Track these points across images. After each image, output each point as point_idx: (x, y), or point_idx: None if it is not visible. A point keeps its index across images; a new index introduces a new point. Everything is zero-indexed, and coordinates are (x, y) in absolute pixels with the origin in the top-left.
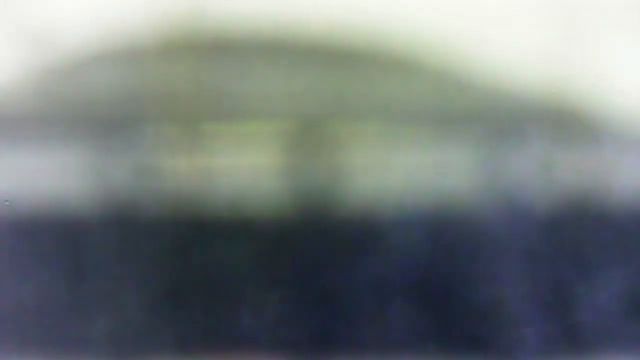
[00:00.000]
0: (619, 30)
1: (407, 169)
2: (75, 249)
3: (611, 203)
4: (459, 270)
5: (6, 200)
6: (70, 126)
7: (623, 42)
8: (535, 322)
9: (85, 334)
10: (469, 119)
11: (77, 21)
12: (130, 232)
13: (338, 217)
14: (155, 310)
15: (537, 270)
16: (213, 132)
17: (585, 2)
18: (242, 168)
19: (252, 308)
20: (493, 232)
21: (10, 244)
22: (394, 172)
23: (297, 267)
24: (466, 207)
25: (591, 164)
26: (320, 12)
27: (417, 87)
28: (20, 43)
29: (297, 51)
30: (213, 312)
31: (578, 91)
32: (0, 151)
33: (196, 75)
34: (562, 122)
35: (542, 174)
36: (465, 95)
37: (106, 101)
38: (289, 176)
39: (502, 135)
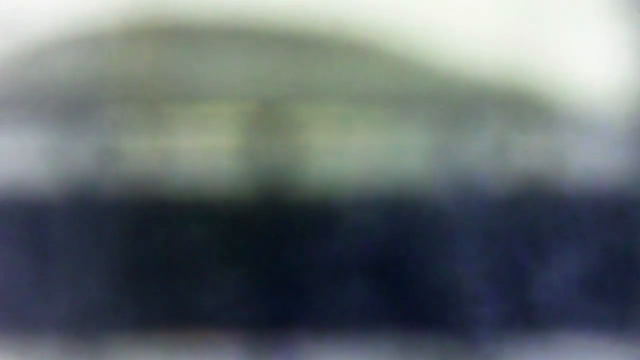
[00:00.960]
0: (575, 14)
1: (365, 151)
2: (36, 230)
3: (565, 185)
4: (416, 250)
5: None
6: (32, 109)
7: (579, 26)
8: (491, 300)
9: (47, 313)
10: (426, 102)
11: (42, 6)
12: (91, 213)
13: (297, 198)
14: (116, 290)
15: (493, 250)
16: (174, 114)
17: None
18: (202, 149)
19: (211, 288)
20: (450, 213)
21: None
22: (353, 154)
23: (256, 247)
24: (423, 189)
25: (546, 147)
26: None
27: (375, 71)
28: None
29: (258, 35)
30: (173, 291)
31: (534, 75)
32: None
33: (158, 59)
34: (518, 106)
35: (498, 156)
36: (423, 78)
37: (68, 84)
38: (249, 158)
39: (458, 118)
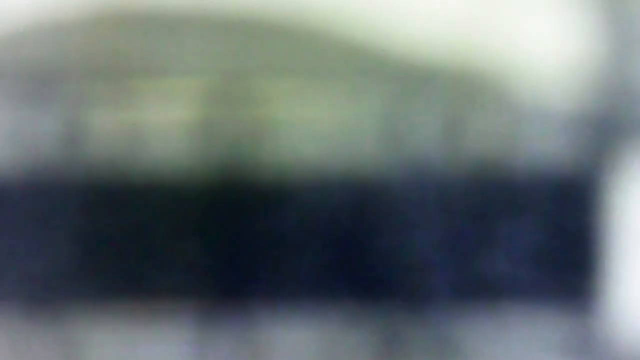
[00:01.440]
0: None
1: (321, 125)
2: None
3: (514, 165)
4: (369, 225)
5: None
6: None
7: (532, 7)
8: (441, 272)
9: (7, 286)
10: (379, 80)
11: None
12: (55, 188)
13: (255, 171)
14: (75, 262)
15: (443, 226)
16: (137, 89)
17: None
18: (163, 123)
19: (168, 260)
20: (400, 189)
21: None
22: (309, 128)
23: (214, 220)
24: (375, 165)
25: (496, 128)
26: None
27: (331, 48)
28: None
29: (220, 13)
30: (130, 264)
31: (486, 56)
32: None
33: (122, 37)
34: (470, 86)
35: (448, 135)
36: (377, 56)
37: (34, 64)
38: (209, 131)
39: (411, 96)
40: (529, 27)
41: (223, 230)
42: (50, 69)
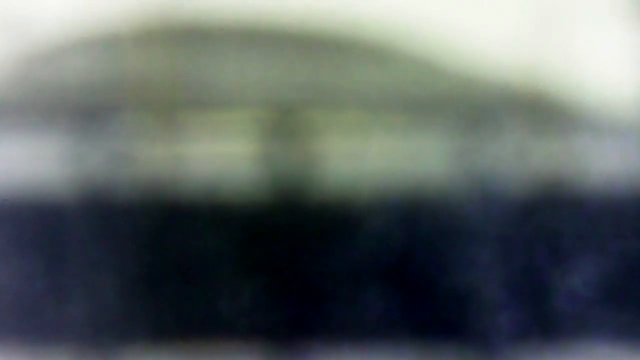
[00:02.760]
0: (593, 17)
1: (382, 156)
2: (52, 236)
3: (586, 189)
4: (434, 256)
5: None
6: (47, 113)
7: (598, 29)
8: (509, 308)
9: (63, 319)
10: (444, 107)
11: (54, 8)
12: (106, 220)
13: (313, 204)
14: (132, 296)
15: (512, 255)
16: (189, 120)
17: None
18: (217, 156)
19: (227, 295)
20: (468, 219)
21: None
22: (370, 159)
23: (273, 254)
24: (441, 195)
25: (566, 151)
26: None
27: (393, 75)
28: None
29: (273, 39)
30: (189, 298)
31: (552, 77)
32: None
33: (172, 63)
34: (537, 110)
35: (517, 161)
36: (440, 82)
37: (83, 89)
38: (265, 164)
39: (477, 123)
40: (596, 45)
41: (280, 264)
42: (94, 95)
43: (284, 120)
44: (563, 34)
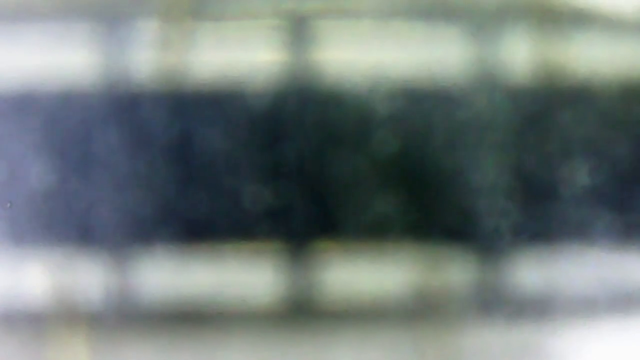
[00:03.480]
0: None
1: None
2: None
3: (597, 82)
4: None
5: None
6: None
7: None
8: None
9: (90, 223)
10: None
11: None
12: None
13: (331, 104)
14: (160, 199)
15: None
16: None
17: None
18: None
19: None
20: (482, 119)
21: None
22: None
23: (295, 151)
24: (455, 95)
25: (575, 50)
26: None
27: None
28: None
29: None
30: (211, 201)
31: None
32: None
33: None
34: (547, 14)
35: (527, 61)
36: None
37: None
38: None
39: (487, 28)
40: None
41: (291, 167)
42: (117, 5)
43: (297, 30)
44: None
